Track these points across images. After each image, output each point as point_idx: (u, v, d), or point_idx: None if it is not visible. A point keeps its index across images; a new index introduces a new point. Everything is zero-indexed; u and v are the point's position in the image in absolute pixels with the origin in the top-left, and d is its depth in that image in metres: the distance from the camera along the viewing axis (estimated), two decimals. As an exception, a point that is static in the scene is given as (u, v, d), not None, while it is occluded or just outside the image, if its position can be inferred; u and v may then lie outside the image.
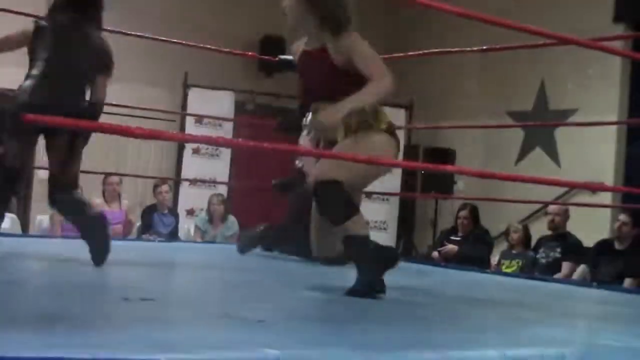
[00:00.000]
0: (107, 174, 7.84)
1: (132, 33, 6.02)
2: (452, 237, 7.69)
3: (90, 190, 8.14)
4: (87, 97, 4.02)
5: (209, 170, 9.16)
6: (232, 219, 8.10)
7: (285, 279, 3.56)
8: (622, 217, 6.68)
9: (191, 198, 9.05)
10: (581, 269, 6.73)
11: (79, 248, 4.67)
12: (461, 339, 2.40)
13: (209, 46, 6.45)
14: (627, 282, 6.35)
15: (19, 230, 7.85)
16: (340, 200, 3.19)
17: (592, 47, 3.82)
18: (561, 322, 3.04)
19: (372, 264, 3.16)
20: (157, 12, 9.18)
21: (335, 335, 2.27)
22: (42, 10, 4.32)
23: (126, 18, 8.52)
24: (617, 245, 6.72)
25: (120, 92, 8.05)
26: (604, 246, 6.79)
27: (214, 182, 8.80)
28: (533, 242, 7.37)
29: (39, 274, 3.60)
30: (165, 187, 8.08)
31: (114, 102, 6.57)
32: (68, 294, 2.89)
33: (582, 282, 5.43)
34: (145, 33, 6.25)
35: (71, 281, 3.36)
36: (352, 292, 3.11)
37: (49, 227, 7.72)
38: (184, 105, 9.37)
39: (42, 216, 8.03)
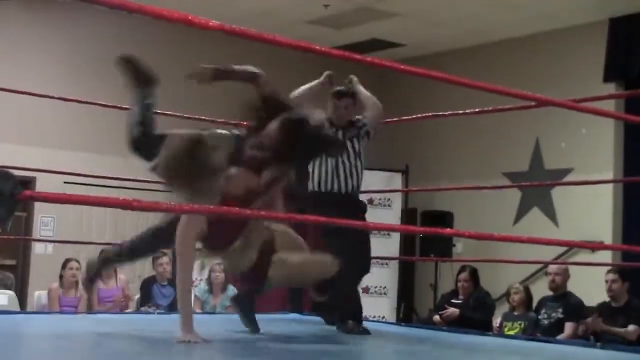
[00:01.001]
0: (109, 245, 7.81)
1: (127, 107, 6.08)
2: (453, 300, 7.64)
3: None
4: None
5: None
6: (232, 288, 8.06)
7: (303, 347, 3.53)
8: (610, 276, 6.66)
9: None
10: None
11: (77, 323, 4.64)
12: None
13: (204, 117, 6.50)
14: (631, 328, 6.36)
15: (17, 307, 7.80)
16: None
17: (583, 111, 3.86)
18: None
19: None
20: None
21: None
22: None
23: (122, 90, 8.62)
24: (614, 305, 6.68)
25: (117, 164, 8.09)
26: (603, 307, 6.76)
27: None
28: (534, 302, 7.33)
29: (37, 351, 3.56)
30: (165, 259, 8.06)
31: (111, 175, 6.66)
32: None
33: (586, 343, 5.37)
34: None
35: (69, 358, 3.33)
36: None
37: (47, 303, 7.67)
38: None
39: (40, 292, 7.98)
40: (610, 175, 8.72)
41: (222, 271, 7.92)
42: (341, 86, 4.94)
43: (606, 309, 6.70)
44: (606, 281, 6.66)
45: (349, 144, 4.77)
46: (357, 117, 4.91)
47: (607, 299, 6.75)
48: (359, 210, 4.86)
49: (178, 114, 6.13)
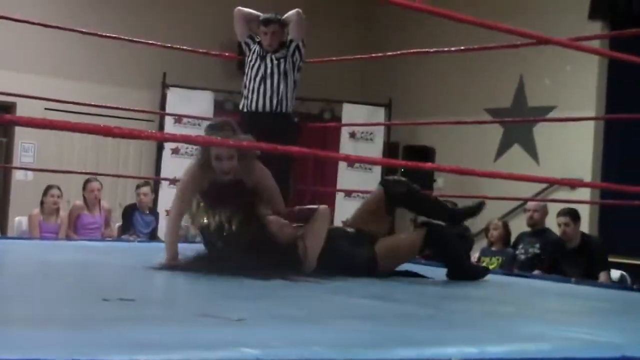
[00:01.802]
0: (88, 174, 7.79)
1: (110, 35, 6.01)
2: (432, 235, 7.70)
3: (70, 190, 8.15)
4: None
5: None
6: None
7: (264, 278, 3.55)
8: (561, 219, 6.57)
9: (171, 198, 8.99)
10: None
11: (58, 249, 4.66)
12: (441, 335, 2.41)
13: (186, 47, 6.44)
14: (602, 276, 6.38)
15: (-3, 233, 7.81)
16: None
17: (568, 47, 3.85)
18: (540, 318, 3.06)
19: None
20: (136, 13, 9.15)
21: (316, 334, 2.27)
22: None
23: (104, 19, 8.52)
24: (568, 246, 6.61)
25: (99, 93, 8.07)
26: (557, 246, 6.74)
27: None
28: (512, 238, 7.40)
29: (17, 276, 3.58)
30: (145, 189, 8.05)
31: (92, 103, 6.61)
32: (46, 296, 2.88)
33: (560, 278, 5.44)
34: (123, 34, 6.24)
35: (50, 282, 3.35)
36: None
37: (28, 229, 7.67)
38: (162, 106, 9.34)
39: (20, 217, 7.98)
40: (592, 114, 8.73)
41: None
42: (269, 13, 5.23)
43: (561, 251, 6.62)
44: (559, 225, 6.60)
45: (275, 64, 5.12)
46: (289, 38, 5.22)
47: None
48: (288, 130, 5.08)
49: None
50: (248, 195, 3.89)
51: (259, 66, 5.15)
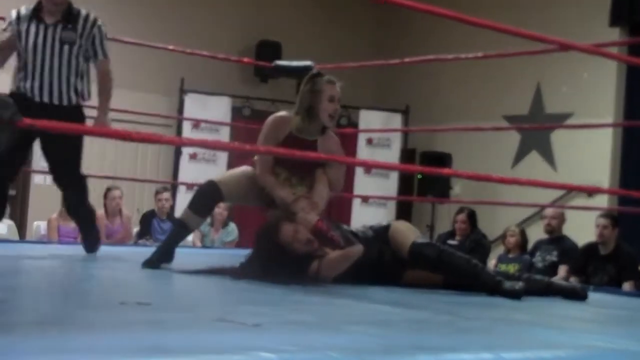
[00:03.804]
0: (107, 179, 7.82)
1: (129, 41, 6.04)
2: (450, 241, 7.69)
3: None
4: None
5: (205, 175, 9.09)
6: (232, 225, 8.15)
7: (281, 284, 3.56)
8: (601, 220, 6.51)
9: (188, 203, 9.03)
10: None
11: (76, 253, 4.68)
12: (457, 341, 2.41)
13: (205, 52, 6.47)
14: (626, 286, 6.30)
15: (16, 237, 7.85)
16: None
17: (588, 52, 3.84)
18: (556, 325, 3.05)
19: None
20: (154, 19, 9.20)
21: (331, 339, 2.27)
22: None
23: (123, 25, 8.56)
24: (601, 250, 6.56)
25: (116, 98, 8.07)
26: (589, 251, 6.69)
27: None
28: (530, 245, 7.38)
29: (35, 279, 3.60)
30: (166, 195, 8.08)
31: (111, 108, 6.64)
32: (64, 299, 2.89)
33: (578, 286, 5.41)
34: (142, 40, 6.27)
35: (68, 286, 3.37)
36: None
37: (46, 233, 7.71)
38: (180, 111, 9.38)
39: (39, 222, 8.02)
40: (610, 121, 8.70)
41: (225, 208, 7.95)
42: None
43: (594, 255, 6.57)
44: (597, 226, 6.53)
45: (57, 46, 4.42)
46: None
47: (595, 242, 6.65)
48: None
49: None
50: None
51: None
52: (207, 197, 4.22)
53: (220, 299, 3.28)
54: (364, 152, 9.78)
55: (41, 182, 8.94)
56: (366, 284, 3.80)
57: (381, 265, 3.96)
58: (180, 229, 4.30)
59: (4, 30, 4.48)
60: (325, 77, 4.19)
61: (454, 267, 3.87)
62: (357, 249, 3.85)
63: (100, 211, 7.88)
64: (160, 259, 4.14)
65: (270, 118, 4.27)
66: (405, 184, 10.01)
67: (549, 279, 4.33)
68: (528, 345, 2.42)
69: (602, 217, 6.56)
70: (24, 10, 4.44)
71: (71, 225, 7.66)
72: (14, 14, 4.45)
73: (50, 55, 4.37)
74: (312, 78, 4.19)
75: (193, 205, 4.23)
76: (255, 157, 4.21)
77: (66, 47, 4.38)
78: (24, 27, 4.38)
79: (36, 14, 4.39)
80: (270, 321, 2.51)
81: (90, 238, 4.75)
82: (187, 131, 9.21)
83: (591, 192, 8.45)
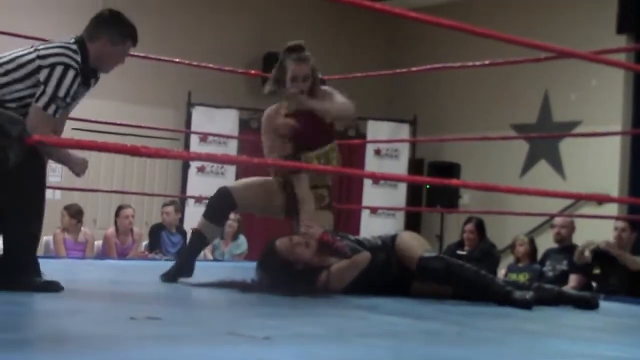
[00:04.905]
0: (114, 193, 7.84)
1: (136, 54, 6.05)
2: (459, 252, 7.67)
3: (97, 210, 8.18)
4: None
5: (214, 188, 9.12)
6: (242, 238, 8.15)
7: (290, 297, 3.56)
8: (620, 223, 6.51)
9: (197, 217, 8.98)
10: None
11: (85, 268, 4.68)
12: (468, 352, 2.40)
13: (211, 65, 6.48)
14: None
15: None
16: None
17: (594, 60, 3.83)
18: (569, 335, 3.03)
19: None
20: (160, 32, 9.22)
21: (340, 351, 2.27)
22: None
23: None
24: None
25: (123, 112, 8.11)
26: (602, 256, 6.63)
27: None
28: (539, 254, 7.35)
29: (45, 294, 3.60)
30: (168, 209, 8.09)
31: (118, 122, 6.66)
32: (74, 314, 2.89)
33: (589, 295, 5.38)
34: (148, 54, 6.28)
35: (77, 301, 3.37)
36: None
37: (54, 248, 7.72)
38: (188, 124, 9.39)
39: (48, 237, 8.03)
40: (618, 129, 8.68)
41: (235, 221, 7.96)
42: None
43: (605, 255, 6.45)
44: (615, 228, 6.52)
45: None
46: None
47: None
48: None
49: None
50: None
51: None
52: (220, 203, 4.24)
53: (230, 313, 3.28)
54: (372, 162, 9.77)
55: (50, 197, 8.94)
56: (375, 294, 3.80)
57: (390, 274, 3.95)
58: (198, 240, 4.30)
59: None
60: (294, 54, 4.31)
61: (463, 280, 3.86)
62: (365, 255, 3.85)
63: (110, 229, 7.91)
64: (179, 272, 4.14)
65: (264, 115, 4.43)
66: (414, 194, 10.00)
67: (559, 288, 4.32)
68: (540, 355, 2.41)
69: (621, 220, 6.59)
70: None
71: (75, 237, 7.69)
72: None
73: None
74: (283, 52, 4.35)
75: (207, 214, 4.25)
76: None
77: None
78: None
79: None
80: (280, 334, 2.51)
81: None
82: (195, 144, 9.21)
83: (601, 200, 8.41)
